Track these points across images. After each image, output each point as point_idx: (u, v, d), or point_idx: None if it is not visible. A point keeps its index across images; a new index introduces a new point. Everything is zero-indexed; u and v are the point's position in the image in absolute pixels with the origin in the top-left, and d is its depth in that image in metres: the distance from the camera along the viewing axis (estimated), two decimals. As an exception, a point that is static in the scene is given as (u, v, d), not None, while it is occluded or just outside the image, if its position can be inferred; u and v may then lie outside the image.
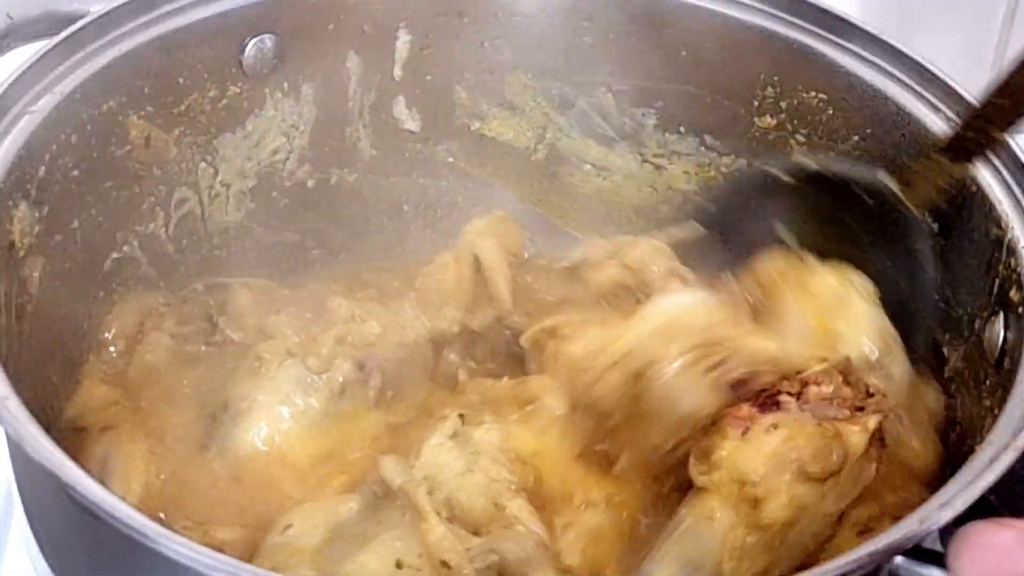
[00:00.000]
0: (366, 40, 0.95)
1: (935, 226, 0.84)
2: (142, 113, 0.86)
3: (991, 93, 0.78)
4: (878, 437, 0.73)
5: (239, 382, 0.84)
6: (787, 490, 0.70)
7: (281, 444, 0.82)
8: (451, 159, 1.03)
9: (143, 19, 0.85)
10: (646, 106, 0.98)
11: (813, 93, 0.91)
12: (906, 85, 0.85)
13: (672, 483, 0.77)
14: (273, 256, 0.98)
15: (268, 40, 0.91)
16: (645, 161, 1.00)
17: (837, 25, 0.88)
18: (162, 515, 0.77)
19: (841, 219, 0.88)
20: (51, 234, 0.80)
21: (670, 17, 0.93)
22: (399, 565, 0.70)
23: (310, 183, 0.99)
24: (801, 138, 0.92)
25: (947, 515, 0.59)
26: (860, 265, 0.86)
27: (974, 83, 0.81)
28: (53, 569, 0.75)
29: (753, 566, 0.70)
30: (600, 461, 0.79)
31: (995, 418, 0.67)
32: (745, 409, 0.74)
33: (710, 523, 0.71)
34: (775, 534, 0.70)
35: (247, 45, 0.90)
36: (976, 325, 0.79)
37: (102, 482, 0.76)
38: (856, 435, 0.72)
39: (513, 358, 0.89)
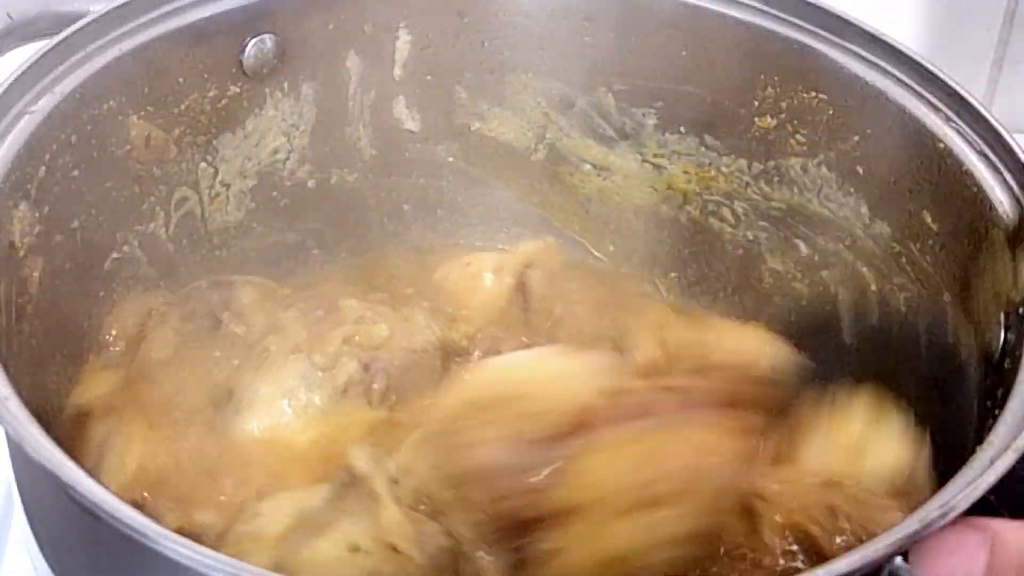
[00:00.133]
0: (366, 40, 0.95)
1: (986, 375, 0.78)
2: (142, 113, 0.86)
3: None
4: None
5: (244, 373, 0.84)
6: None
7: (279, 435, 0.82)
8: (451, 159, 1.03)
9: (143, 19, 0.85)
10: (646, 106, 0.98)
11: (813, 93, 0.90)
12: (907, 85, 0.85)
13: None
14: (273, 256, 0.98)
15: (268, 40, 0.91)
16: (645, 161, 1.00)
17: (837, 25, 0.88)
18: (145, 494, 0.77)
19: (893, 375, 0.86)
20: (51, 234, 0.80)
21: (670, 17, 0.93)
22: (354, 549, 0.71)
23: (310, 183, 0.99)
24: (801, 138, 0.92)
25: (949, 516, 0.59)
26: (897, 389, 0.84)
27: (974, 83, 0.81)
28: (53, 569, 0.75)
29: None
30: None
31: (995, 418, 0.67)
32: None
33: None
34: None
35: (247, 45, 0.90)
36: (977, 326, 0.79)
37: (99, 460, 0.78)
38: None
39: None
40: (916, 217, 0.86)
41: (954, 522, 0.59)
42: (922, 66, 0.85)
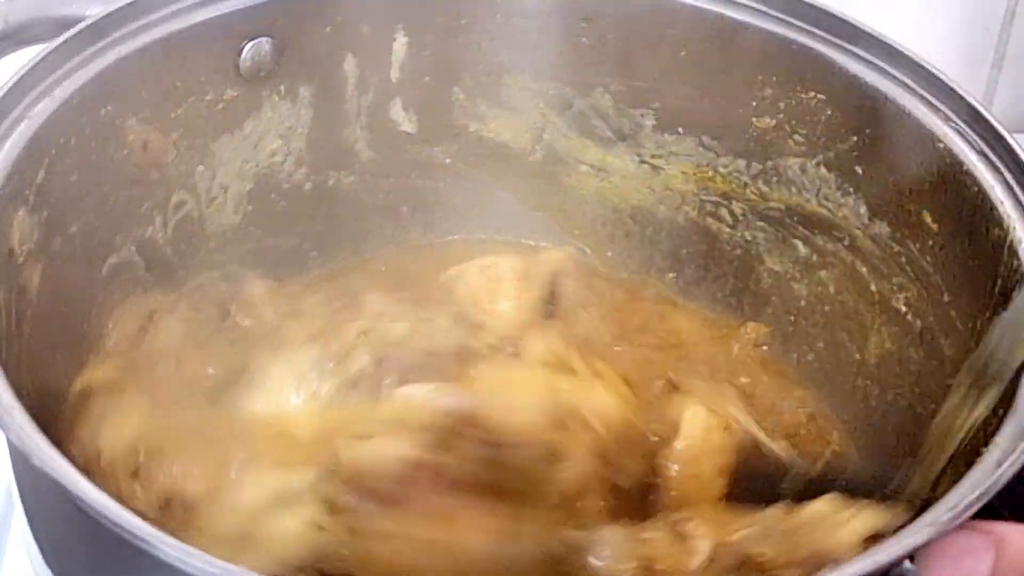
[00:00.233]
0: (363, 42, 0.95)
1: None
2: (140, 117, 0.85)
3: None
4: None
5: (259, 353, 0.84)
6: None
7: (284, 418, 0.81)
8: (448, 160, 1.03)
9: (140, 23, 0.84)
10: (644, 107, 0.98)
11: (812, 93, 0.90)
12: (905, 85, 0.85)
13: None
14: (271, 258, 0.98)
15: (265, 43, 0.91)
16: (643, 162, 1.00)
17: (836, 25, 0.88)
18: (140, 459, 0.76)
19: None
20: (50, 239, 0.79)
21: (668, 18, 0.93)
22: (318, 528, 0.71)
23: (307, 185, 0.99)
24: (800, 139, 0.92)
25: (957, 520, 0.59)
26: None
27: (974, 83, 0.81)
28: (53, 571, 0.75)
29: None
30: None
31: (1000, 420, 0.67)
32: None
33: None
34: None
35: (244, 48, 0.90)
36: (977, 326, 0.80)
37: (97, 431, 0.78)
38: None
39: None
40: (916, 217, 0.86)
41: (960, 526, 0.59)
42: (921, 66, 0.85)
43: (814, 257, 0.95)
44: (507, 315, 0.92)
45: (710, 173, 0.98)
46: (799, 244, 0.96)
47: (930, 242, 0.85)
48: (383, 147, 1.00)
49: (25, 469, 0.75)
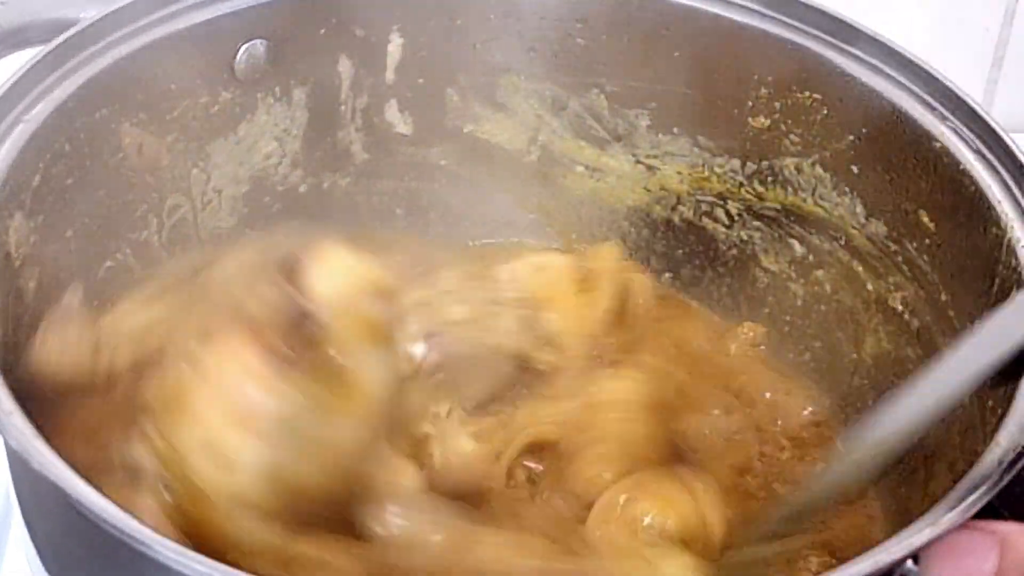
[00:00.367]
0: (358, 44, 0.95)
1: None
2: (135, 120, 0.85)
3: None
4: None
5: None
6: None
7: None
8: (444, 162, 1.02)
9: (135, 26, 0.84)
10: (639, 107, 0.98)
11: (807, 93, 0.90)
12: (903, 85, 0.85)
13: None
14: (267, 262, 0.98)
15: (260, 45, 0.91)
16: (638, 162, 1.00)
17: (832, 25, 0.88)
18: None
19: None
20: (46, 244, 0.79)
21: (663, 18, 0.93)
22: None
23: (302, 188, 0.99)
24: (795, 138, 0.92)
25: (959, 519, 0.59)
26: None
27: (973, 83, 0.81)
28: (52, 574, 0.75)
29: None
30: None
31: (1000, 418, 0.67)
32: None
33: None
34: None
35: (239, 50, 0.90)
36: (975, 325, 0.79)
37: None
38: None
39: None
40: (913, 216, 0.86)
41: (962, 526, 0.59)
42: (917, 65, 0.85)
43: (810, 257, 0.95)
44: (577, 330, 0.89)
45: (706, 173, 0.98)
46: (795, 244, 0.96)
47: (927, 241, 0.85)
48: (378, 149, 1.00)
49: (24, 472, 0.74)
